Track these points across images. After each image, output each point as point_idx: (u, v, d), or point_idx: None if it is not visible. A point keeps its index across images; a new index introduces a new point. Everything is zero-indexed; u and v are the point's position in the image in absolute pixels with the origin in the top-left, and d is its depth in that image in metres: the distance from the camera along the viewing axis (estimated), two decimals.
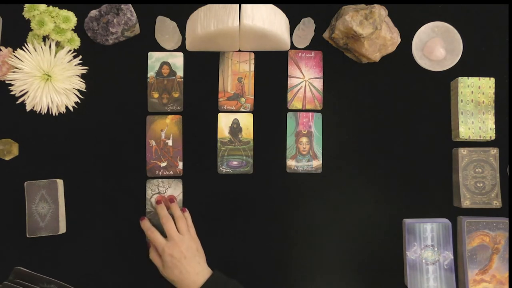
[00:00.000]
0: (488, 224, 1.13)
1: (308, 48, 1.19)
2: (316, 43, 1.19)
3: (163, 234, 1.08)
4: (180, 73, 1.18)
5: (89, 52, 1.14)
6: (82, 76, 1.11)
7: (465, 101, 1.15)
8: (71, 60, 1.09)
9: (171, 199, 1.12)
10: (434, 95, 1.19)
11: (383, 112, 1.18)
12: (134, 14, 1.13)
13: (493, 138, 1.15)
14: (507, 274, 1.12)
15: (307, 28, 1.15)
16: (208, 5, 1.10)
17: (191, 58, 1.18)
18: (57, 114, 1.10)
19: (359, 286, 1.16)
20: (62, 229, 1.13)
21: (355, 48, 1.13)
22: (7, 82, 1.07)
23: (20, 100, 1.08)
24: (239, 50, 1.18)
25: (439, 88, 1.19)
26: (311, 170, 1.17)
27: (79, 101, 1.12)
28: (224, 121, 1.17)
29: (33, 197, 1.12)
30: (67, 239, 1.14)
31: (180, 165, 1.16)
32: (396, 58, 1.18)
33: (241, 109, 1.17)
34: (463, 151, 1.15)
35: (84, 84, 1.11)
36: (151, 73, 1.17)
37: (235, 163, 1.17)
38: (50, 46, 1.07)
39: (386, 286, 1.16)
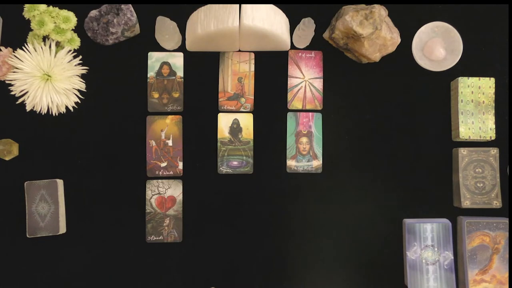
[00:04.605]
0: (488, 224, 1.13)
1: (308, 48, 1.19)
2: (316, 43, 1.19)
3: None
4: (180, 73, 1.18)
5: (89, 52, 1.14)
6: (82, 76, 1.11)
7: (465, 101, 1.15)
8: (71, 60, 1.09)
9: None
10: (434, 95, 1.19)
11: (383, 112, 1.18)
12: (134, 14, 1.13)
13: (493, 138, 1.15)
14: (507, 274, 1.12)
15: (307, 28, 1.15)
16: (208, 5, 1.10)
17: (191, 58, 1.18)
18: (57, 114, 1.10)
19: (359, 286, 1.16)
20: (62, 229, 1.13)
21: (355, 48, 1.13)
22: (7, 82, 1.07)
23: (20, 100, 1.08)
24: (239, 50, 1.18)
25: (439, 88, 1.19)
26: (311, 170, 1.17)
27: (79, 101, 1.12)
28: (224, 121, 1.17)
29: (33, 197, 1.12)
30: (67, 239, 1.14)
31: (180, 165, 1.16)
32: (396, 58, 1.18)
33: (241, 109, 1.17)
34: (463, 151, 1.15)
35: (84, 84, 1.11)
36: (151, 73, 1.17)
37: (235, 163, 1.17)
38: (50, 46, 1.07)
39: (386, 286, 1.16)
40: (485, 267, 1.12)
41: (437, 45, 1.17)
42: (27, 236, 1.12)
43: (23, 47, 1.07)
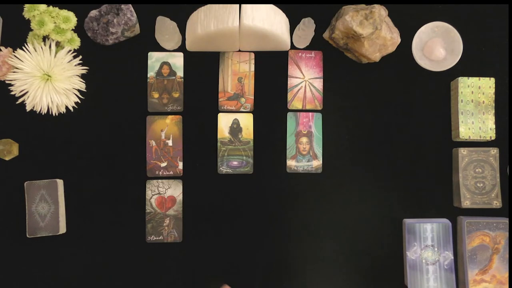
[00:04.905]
0: (488, 224, 1.13)
1: (308, 48, 1.19)
2: (316, 43, 1.19)
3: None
4: (180, 73, 1.18)
5: (89, 52, 1.14)
6: (82, 76, 1.11)
7: (465, 101, 1.15)
8: (71, 60, 1.09)
9: None
10: (434, 95, 1.19)
11: (383, 112, 1.18)
12: (134, 14, 1.13)
13: (493, 138, 1.15)
14: (507, 274, 1.12)
15: (307, 28, 1.15)
16: (208, 5, 1.10)
17: (191, 58, 1.18)
18: (57, 114, 1.10)
19: (359, 286, 1.16)
20: (62, 229, 1.13)
21: (355, 48, 1.13)
22: (7, 82, 1.07)
23: (20, 100, 1.08)
24: (239, 50, 1.18)
25: (439, 88, 1.19)
26: (311, 170, 1.17)
27: (79, 101, 1.12)
28: (224, 121, 1.17)
29: (33, 197, 1.12)
30: (67, 239, 1.14)
31: (180, 165, 1.16)
32: (396, 58, 1.18)
33: (241, 109, 1.17)
34: (463, 151, 1.15)
35: (84, 84, 1.11)
36: (151, 73, 1.17)
37: (235, 163, 1.17)
38: (50, 46, 1.07)
39: (386, 286, 1.16)
40: (485, 267, 1.12)
41: (437, 45, 1.17)
42: (27, 236, 1.12)
43: (23, 47, 1.07)
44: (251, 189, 1.17)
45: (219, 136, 1.17)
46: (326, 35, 1.17)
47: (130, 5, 1.13)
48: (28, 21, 1.07)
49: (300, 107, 1.18)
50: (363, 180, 1.17)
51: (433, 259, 1.13)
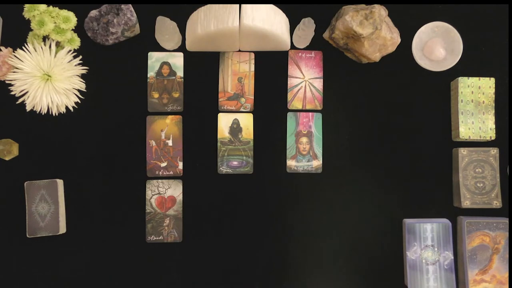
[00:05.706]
0: (488, 224, 1.13)
1: (308, 48, 1.19)
2: (316, 43, 1.19)
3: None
4: (180, 73, 1.18)
5: (89, 52, 1.14)
6: (82, 76, 1.11)
7: (465, 101, 1.15)
8: (71, 60, 1.09)
9: None
10: (434, 95, 1.19)
11: (383, 112, 1.18)
12: (134, 14, 1.13)
13: (493, 138, 1.15)
14: (507, 274, 1.12)
15: (307, 28, 1.15)
16: (208, 5, 1.10)
17: (191, 58, 1.18)
18: (57, 114, 1.10)
19: (359, 286, 1.16)
20: (62, 229, 1.13)
21: (355, 48, 1.13)
22: (7, 82, 1.07)
23: (20, 100, 1.08)
24: (239, 50, 1.18)
25: (439, 88, 1.19)
26: (311, 170, 1.17)
27: (79, 101, 1.12)
28: (224, 121, 1.17)
29: (33, 197, 1.12)
30: (67, 239, 1.14)
31: (180, 165, 1.16)
32: (396, 58, 1.18)
33: (241, 109, 1.17)
34: (463, 151, 1.15)
35: (84, 84, 1.11)
36: (151, 73, 1.17)
37: (235, 163, 1.17)
38: (50, 46, 1.07)
39: (386, 286, 1.16)
40: (485, 267, 1.12)
41: (437, 45, 1.17)
42: (27, 236, 1.12)
43: (23, 47, 1.07)
44: (251, 189, 1.17)
45: (219, 136, 1.17)
46: (326, 35, 1.17)
47: (130, 5, 1.13)
48: (28, 21, 1.07)
49: (300, 107, 1.18)
50: (363, 180, 1.17)
51: (433, 259, 1.13)
